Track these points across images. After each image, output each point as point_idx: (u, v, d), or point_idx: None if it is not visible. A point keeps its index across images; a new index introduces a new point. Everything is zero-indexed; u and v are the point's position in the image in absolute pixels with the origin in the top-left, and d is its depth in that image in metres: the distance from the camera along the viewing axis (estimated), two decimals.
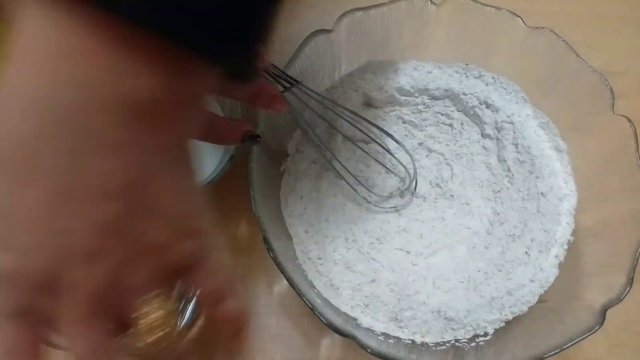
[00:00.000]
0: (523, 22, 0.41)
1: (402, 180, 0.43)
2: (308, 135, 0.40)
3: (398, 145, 0.42)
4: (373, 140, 0.42)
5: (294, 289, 0.32)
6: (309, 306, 0.32)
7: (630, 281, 0.34)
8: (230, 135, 0.34)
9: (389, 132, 0.42)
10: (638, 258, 0.34)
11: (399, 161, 0.42)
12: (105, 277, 0.20)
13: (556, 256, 0.39)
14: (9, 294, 0.20)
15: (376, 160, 0.43)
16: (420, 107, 0.45)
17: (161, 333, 0.22)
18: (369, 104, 0.44)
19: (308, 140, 0.41)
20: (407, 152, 0.42)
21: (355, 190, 0.41)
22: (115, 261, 0.20)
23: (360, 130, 0.41)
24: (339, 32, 0.41)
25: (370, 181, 0.42)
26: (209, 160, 0.42)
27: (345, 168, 0.41)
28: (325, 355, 0.40)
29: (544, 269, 0.38)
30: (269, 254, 0.33)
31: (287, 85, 0.36)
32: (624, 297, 0.34)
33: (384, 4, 0.41)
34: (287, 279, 0.33)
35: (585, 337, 0.33)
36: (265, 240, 0.34)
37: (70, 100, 0.17)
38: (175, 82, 0.19)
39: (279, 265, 0.33)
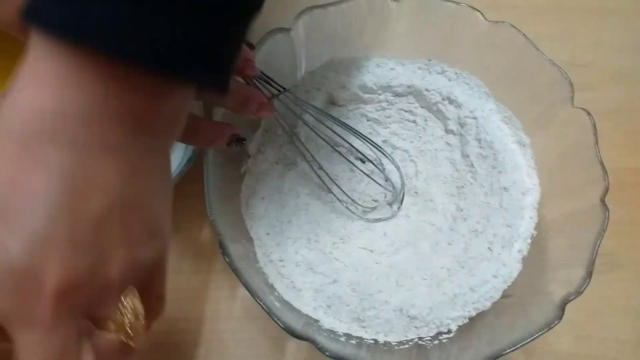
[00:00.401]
0: (483, 16, 0.41)
1: (387, 192, 0.42)
2: (294, 142, 0.40)
3: (384, 155, 0.42)
4: (365, 157, 0.42)
5: (250, 293, 0.32)
6: (265, 310, 0.32)
7: (590, 274, 0.34)
8: (216, 138, 0.34)
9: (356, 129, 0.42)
10: (597, 251, 0.34)
11: (387, 176, 0.42)
12: (85, 269, 0.20)
13: (519, 251, 0.39)
14: None
15: (362, 172, 0.42)
16: (384, 104, 0.44)
17: (131, 332, 0.23)
18: (332, 102, 0.44)
19: (295, 147, 0.40)
20: (395, 166, 0.42)
21: (340, 200, 0.41)
22: (95, 255, 0.20)
23: (346, 141, 0.41)
24: (297, 30, 0.41)
25: (354, 193, 0.42)
26: None
27: (330, 176, 0.41)
28: (291, 357, 0.40)
29: (507, 264, 0.38)
30: (224, 258, 0.33)
31: (275, 92, 0.37)
32: (583, 290, 0.34)
33: (342, 1, 0.41)
34: (244, 283, 0.32)
35: (545, 331, 0.33)
36: (221, 245, 0.33)
37: (70, 110, 0.20)
38: (158, 99, 0.21)
39: (234, 269, 0.32)
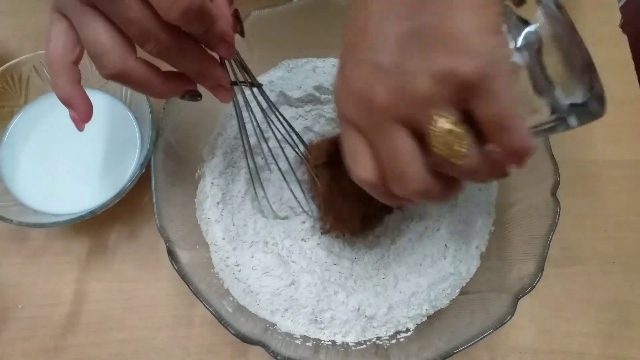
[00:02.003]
0: None
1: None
2: (241, 136, 0.38)
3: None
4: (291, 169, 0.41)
5: (200, 300, 0.32)
6: (215, 316, 0.32)
7: (541, 268, 0.34)
8: (172, 90, 0.31)
9: (312, 129, 0.41)
10: (549, 245, 0.34)
11: (297, 199, 0.40)
12: (397, 89, 0.23)
13: (477, 247, 0.39)
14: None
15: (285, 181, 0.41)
16: None
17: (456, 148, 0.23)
18: (288, 103, 0.44)
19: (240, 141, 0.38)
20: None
21: (259, 202, 0.40)
22: (402, 77, 0.23)
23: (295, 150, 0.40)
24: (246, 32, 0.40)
25: (273, 198, 0.41)
26: (118, 171, 0.41)
27: (260, 178, 0.40)
28: None
29: (465, 261, 0.38)
30: (173, 265, 0.32)
31: (243, 82, 0.34)
32: (535, 284, 0.34)
33: (292, 1, 0.41)
34: (193, 290, 0.32)
35: (497, 328, 0.32)
36: (169, 252, 0.33)
37: None
38: None
39: (182, 276, 0.32)
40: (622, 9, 0.54)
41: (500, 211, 0.40)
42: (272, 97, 0.42)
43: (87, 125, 0.42)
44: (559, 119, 0.25)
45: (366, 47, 0.24)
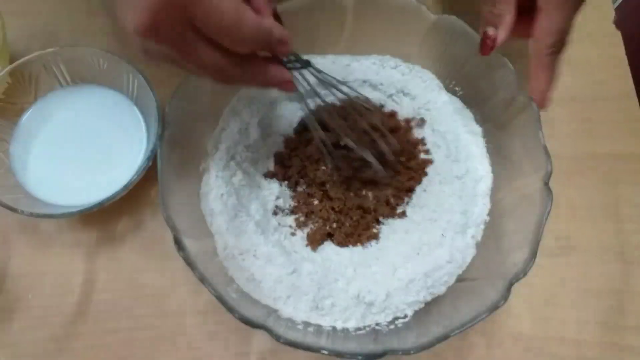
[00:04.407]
0: (429, 10, 0.42)
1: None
2: (309, 120, 0.40)
3: None
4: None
5: (205, 286, 0.33)
6: (220, 301, 0.33)
7: (533, 255, 0.35)
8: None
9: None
10: (541, 232, 0.36)
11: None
12: None
13: (473, 236, 0.40)
14: None
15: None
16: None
17: None
18: (288, 98, 0.45)
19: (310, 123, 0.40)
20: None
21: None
22: None
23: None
24: None
25: None
26: (125, 164, 0.42)
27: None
28: (257, 347, 0.41)
29: (461, 249, 0.40)
30: (179, 253, 0.34)
31: (298, 65, 0.36)
32: (528, 271, 0.35)
33: (290, 1, 0.42)
34: (198, 277, 0.33)
35: (489, 313, 0.33)
36: (176, 240, 0.34)
37: None
38: None
39: (189, 263, 0.33)
40: (618, 9, 0.55)
41: (495, 201, 0.42)
42: (274, 92, 0.44)
43: (95, 121, 0.44)
44: None
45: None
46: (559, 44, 0.37)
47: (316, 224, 0.41)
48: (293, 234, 0.41)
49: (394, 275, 0.39)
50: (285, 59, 0.34)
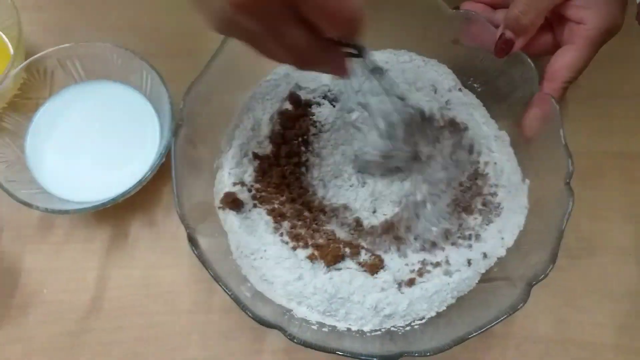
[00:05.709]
0: (447, 5, 0.41)
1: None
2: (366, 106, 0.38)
3: None
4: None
5: (219, 284, 0.33)
6: (234, 300, 0.33)
7: (554, 257, 0.34)
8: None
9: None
10: (562, 233, 0.35)
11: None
12: None
13: (503, 238, 0.39)
14: None
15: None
16: None
17: None
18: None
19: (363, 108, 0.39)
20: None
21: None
22: None
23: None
24: None
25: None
26: (139, 160, 0.42)
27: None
28: (271, 346, 0.40)
29: (488, 253, 0.39)
30: (193, 251, 0.33)
31: (354, 52, 0.33)
32: (548, 273, 0.34)
33: None
34: (212, 275, 0.33)
35: (508, 315, 0.33)
36: (190, 238, 0.34)
37: None
38: None
39: (203, 262, 0.33)
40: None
41: None
42: (286, 89, 0.43)
43: (109, 116, 0.44)
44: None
45: None
46: (573, 81, 0.37)
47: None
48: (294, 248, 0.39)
49: (415, 285, 0.38)
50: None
